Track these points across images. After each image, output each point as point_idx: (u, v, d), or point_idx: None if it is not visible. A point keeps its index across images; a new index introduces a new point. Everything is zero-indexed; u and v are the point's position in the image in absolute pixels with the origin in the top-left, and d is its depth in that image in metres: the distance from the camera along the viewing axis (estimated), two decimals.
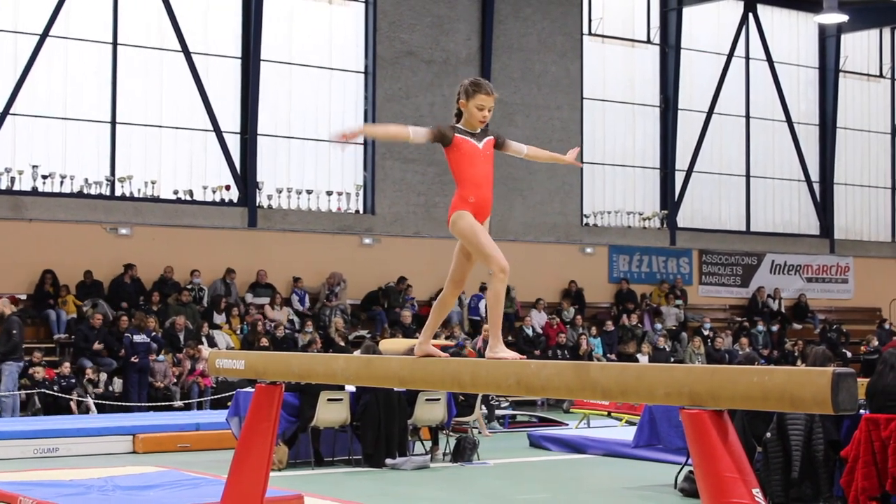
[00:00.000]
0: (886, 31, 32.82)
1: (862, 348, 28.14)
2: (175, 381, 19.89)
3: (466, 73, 25.12)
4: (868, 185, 32.77)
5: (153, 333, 20.20)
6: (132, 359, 19.43)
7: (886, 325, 28.52)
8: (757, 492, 5.17)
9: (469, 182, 6.59)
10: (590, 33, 28.09)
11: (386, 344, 18.43)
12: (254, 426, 8.11)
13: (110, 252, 22.03)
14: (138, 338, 19.65)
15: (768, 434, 10.62)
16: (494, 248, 6.52)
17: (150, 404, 19.11)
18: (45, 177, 21.78)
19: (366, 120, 25.07)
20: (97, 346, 19.73)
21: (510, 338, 23.27)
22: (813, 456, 10.44)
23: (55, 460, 14.26)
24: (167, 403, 19.35)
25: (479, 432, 17.47)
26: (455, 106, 6.70)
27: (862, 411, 10.24)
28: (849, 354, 27.57)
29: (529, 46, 26.80)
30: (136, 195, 22.62)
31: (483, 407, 17.78)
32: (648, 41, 28.88)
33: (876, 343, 26.84)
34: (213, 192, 23.35)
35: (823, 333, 28.72)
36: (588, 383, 5.87)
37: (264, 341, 20.88)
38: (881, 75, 32.94)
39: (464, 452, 14.45)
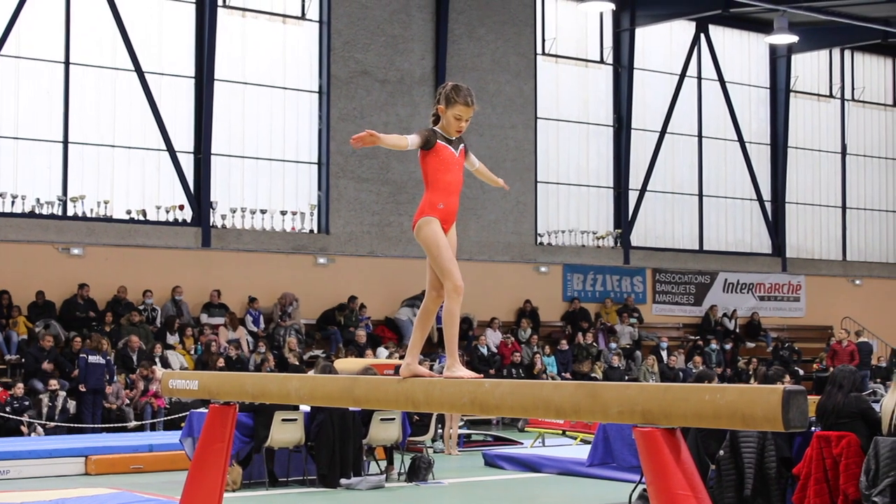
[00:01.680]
0: (836, 52, 33.17)
1: (814, 366, 28.36)
2: (128, 402, 19.75)
3: (421, 93, 25.28)
4: (819, 204, 33.06)
5: (107, 356, 20.00)
6: (81, 386, 19.21)
7: (844, 343, 28.68)
8: None
9: (442, 189, 6.57)
10: (543, 53, 28.21)
11: (341, 363, 18.39)
12: (207, 447, 8.07)
13: (62, 272, 21.87)
14: (93, 358, 19.48)
15: (721, 451, 10.68)
16: (454, 264, 6.50)
17: (104, 425, 18.95)
18: None
19: (320, 139, 25.06)
20: (46, 365, 19.50)
21: (465, 357, 23.27)
22: (765, 473, 10.50)
23: (6, 483, 14.11)
24: (121, 425, 19.20)
25: (444, 451, 17.51)
26: (433, 108, 6.67)
27: (813, 429, 10.33)
28: (801, 372, 27.75)
29: (483, 66, 26.88)
30: (88, 215, 22.47)
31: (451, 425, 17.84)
32: (602, 61, 29.04)
33: (826, 362, 27.03)
34: (167, 211, 23.24)
35: (776, 351, 28.91)
36: (542, 402, 5.89)
37: (220, 362, 20.76)
38: (831, 95, 33.27)
39: (419, 472, 14.44)
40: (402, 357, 21.92)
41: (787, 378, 11.77)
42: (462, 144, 6.70)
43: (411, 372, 6.61)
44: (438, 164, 6.57)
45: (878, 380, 27.08)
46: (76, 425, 18.66)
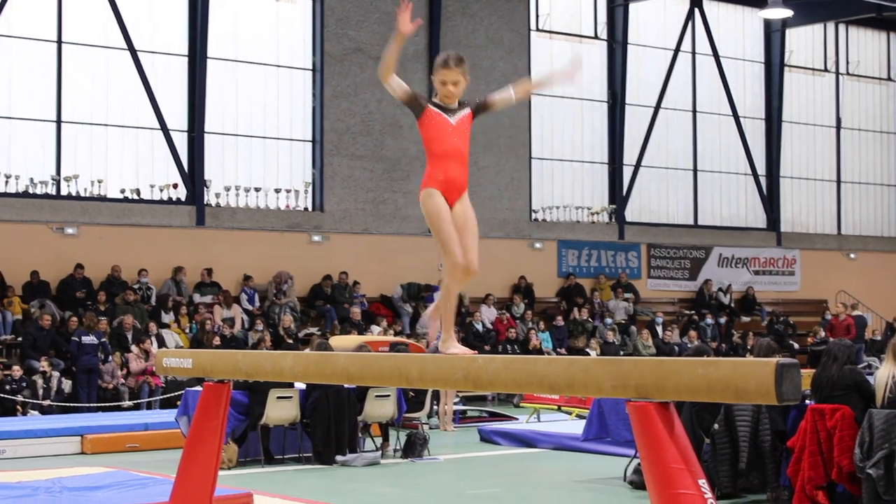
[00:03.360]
0: (830, 26, 33.11)
1: (809, 340, 28.40)
2: (123, 381, 19.75)
3: (414, 70, 25.21)
4: (813, 179, 33.06)
5: (102, 336, 19.98)
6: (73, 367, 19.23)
7: (828, 316, 28.70)
8: (703, 482, 5.21)
9: (436, 158, 6.48)
10: (537, 29, 28.15)
11: (336, 341, 18.41)
12: (202, 425, 8.08)
13: (57, 252, 21.84)
14: (87, 339, 19.47)
15: (716, 425, 10.71)
16: (452, 239, 6.39)
17: (99, 405, 18.96)
18: None
19: (314, 117, 25.02)
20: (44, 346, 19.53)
21: (461, 333, 23.29)
22: (760, 446, 10.53)
23: (2, 462, 14.11)
24: (116, 404, 19.22)
25: (439, 428, 17.56)
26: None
27: (808, 402, 10.35)
28: (796, 346, 27.80)
29: (477, 43, 26.81)
30: (82, 194, 22.44)
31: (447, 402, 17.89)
32: (595, 37, 28.98)
33: (822, 334, 27.10)
34: (161, 190, 23.21)
35: (771, 325, 28.96)
36: (535, 377, 5.89)
37: (216, 340, 20.77)
38: (825, 69, 33.24)
39: (414, 448, 14.47)
40: (396, 334, 22.04)
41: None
42: (465, 110, 6.56)
43: (446, 349, 6.45)
44: (432, 131, 6.49)
45: (873, 353, 27.12)
46: (72, 405, 18.67)
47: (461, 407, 19.76)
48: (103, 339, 19.89)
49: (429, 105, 6.51)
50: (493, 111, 6.83)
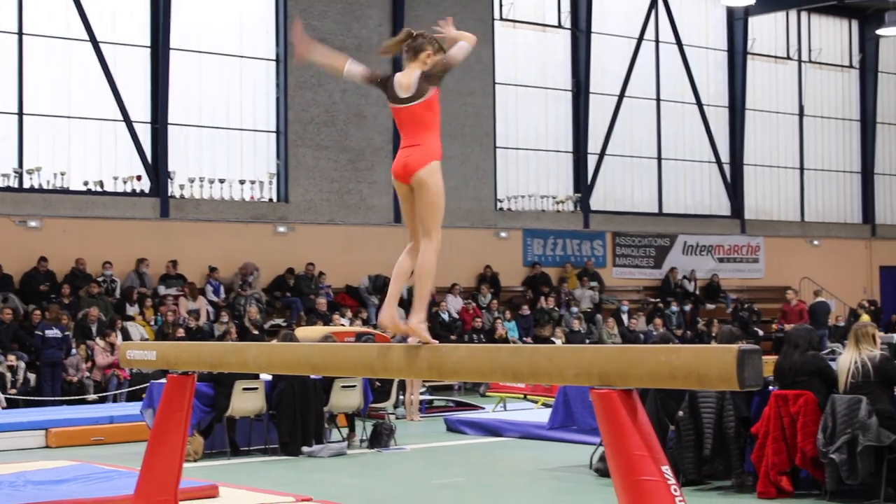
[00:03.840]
0: (793, 14, 33.26)
1: (773, 326, 28.57)
2: (88, 374, 19.65)
3: (379, 60, 25.11)
4: (777, 166, 33.22)
5: (66, 329, 19.84)
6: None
7: (793, 303, 28.82)
8: (666, 469, 5.24)
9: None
10: (501, 18, 28.15)
11: (302, 331, 18.37)
12: (166, 417, 8.07)
13: (20, 245, 21.69)
14: (50, 332, 19.35)
15: (680, 412, 10.76)
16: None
17: (64, 398, 18.85)
18: None
19: (277, 108, 24.95)
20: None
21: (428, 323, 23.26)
22: (724, 433, 10.59)
23: None
24: (81, 397, 19.11)
25: (406, 418, 17.57)
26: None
27: (771, 388, 10.42)
28: (760, 333, 27.95)
29: (441, 33, 26.72)
30: (45, 187, 22.30)
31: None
32: (559, 26, 29.00)
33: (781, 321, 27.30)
34: (124, 182, 23.09)
35: (735, 312, 29.10)
36: (499, 366, 5.91)
37: (180, 332, 20.70)
38: (788, 57, 33.39)
39: (381, 438, 14.47)
40: (364, 324, 22.00)
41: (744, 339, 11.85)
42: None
43: (420, 330, 6.34)
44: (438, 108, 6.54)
45: (837, 339, 27.30)
46: (36, 398, 18.56)
47: (427, 397, 19.77)
48: (67, 333, 19.76)
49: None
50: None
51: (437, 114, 6.51)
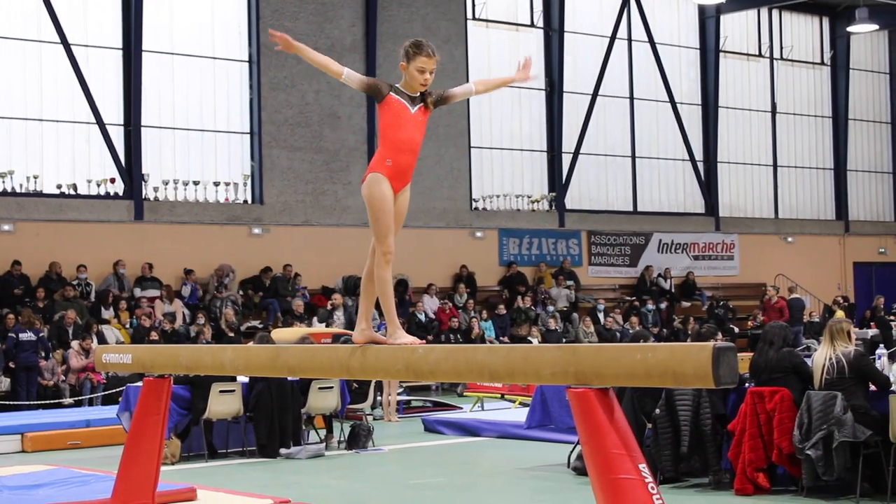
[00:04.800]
0: (764, 12, 33.38)
1: (749, 323, 28.66)
2: (63, 378, 19.56)
3: (351, 61, 25.11)
4: (750, 163, 33.34)
5: (41, 332, 19.72)
6: (11, 363, 18.93)
7: (773, 300, 28.91)
8: (643, 467, 5.25)
9: (391, 144, 6.46)
10: (474, 18, 28.17)
11: (279, 333, 18.33)
12: (143, 420, 8.05)
13: None
14: (24, 336, 19.24)
15: (657, 410, 10.79)
16: (389, 230, 6.41)
17: (39, 402, 18.75)
18: None
19: (251, 109, 24.90)
20: None
21: (404, 323, 23.25)
22: (701, 430, 10.62)
23: None
24: (56, 401, 19.02)
25: (383, 419, 17.56)
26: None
27: (747, 385, 10.46)
28: (736, 330, 28.03)
29: (414, 33, 26.73)
30: (18, 190, 22.20)
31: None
32: (532, 25, 29.04)
33: (761, 318, 27.36)
34: (98, 185, 23.00)
35: (711, 310, 29.18)
36: (475, 366, 5.92)
37: (154, 335, 20.63)
38: (760, 55, 33.51)
39: (358, 439, 14.46)
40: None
41: (720, 336, 11.92)
42: (422, 103, 6.56)
43: (367, 338, 6.54)
44: (390, 118, 6.47)
45: (812, 336, 27.40)
46: (11, 402, 18.46)
47: (405, 397, 19.77)
48: (42, 335, 19.65)
49: (391, 92, 6.51)
50: (451, 102, 6.84)
51: (381, 127, 6.58)
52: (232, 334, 21.57)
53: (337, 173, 25.53)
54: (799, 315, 28.10)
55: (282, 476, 12.62)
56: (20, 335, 19.21)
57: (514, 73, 6.87)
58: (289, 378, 13.62)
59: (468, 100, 27.40)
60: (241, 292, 23.72)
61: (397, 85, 6.57)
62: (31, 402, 18.65)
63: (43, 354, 19.47)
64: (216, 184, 24.26)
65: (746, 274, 32.33)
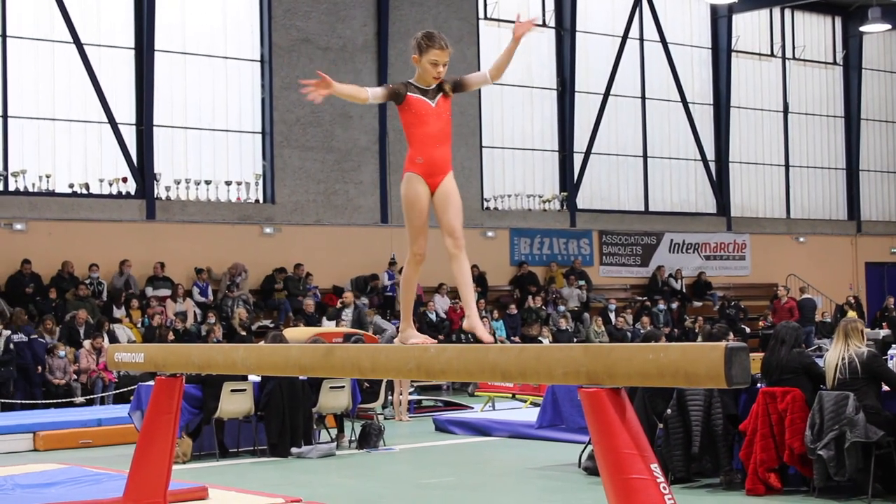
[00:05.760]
0: (776, 11, 33.33)
1: (760, 323, 28.61)
2: (75, 376, 19.57)
3: (363, 60, 25.18)
4: (762, 163, 33.30)
5: (33, 333, 19.45)
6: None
7: (783, 300, 28.88)
8: (655, 467, 5.25)
9: (418, 142, 6.42)
10: (486, 18, 28.16)
11: (290, 333, 18.34)
12: (155, 419, 8.05)
13: (5, 248, 21.64)
14: (17, 337, 19.02)
15: (669, 410, 10.77)
16: (419, 231, 6.44)
17: (51, 401, 18.76)
18: None
19: (263, 108, 24.92)
20: None
21: (416, 323, 23.22)
22: (712, 430, 10.60)
23: None
24: (68, 400, 19.03)
25: (394, 418, 17.57)
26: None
27: (759, 385, 10.44)
28: (747, 330, 27.99)
29: None
30: (30, 190, 22.26)
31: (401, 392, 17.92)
32: (544, 24, 29.01)
33: (772, 318, 27.31)
34: (110, 184, 23.05)
35: (722, 310, 29.13)
36: (487, 365, 5.91)
37: (171, 336, 20.63)
38: (772, 54, 33.46)
39: (369, 439, 14.46)
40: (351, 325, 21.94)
41: (731, 336, 11.91)
42: (441, 93, 6.49)
43: (406, 339, 6.51)
44: (412, 118, 6.42)
45: (823, 336, 27.35)
46: (23, 402, 18.48)
47: (416, 397, 19.76)
48: (33, 336, 19.40)
49: (408, 92, 6.44)
50: (467, 91, 6.78)
51: (405, 129, 6.52)
52: (244, 333, 21.58)
53: (348, 173, 25.54)
54: (810, 315, 28.05)
55: (293, 475, 12.63)
56: (13, 336, 19.04)
57: (512, 35, 6.68)
58: (300, 377, 13.63)
59: (479, 99, 27.50)
60: (251, 293, 23.71)
61: (412, 81, 6.50)
62: (42, 402, 18.56)
63: (33, 355, 19.15)
64: (228, 183, 24.29)
65: (758, 274, 32.27)
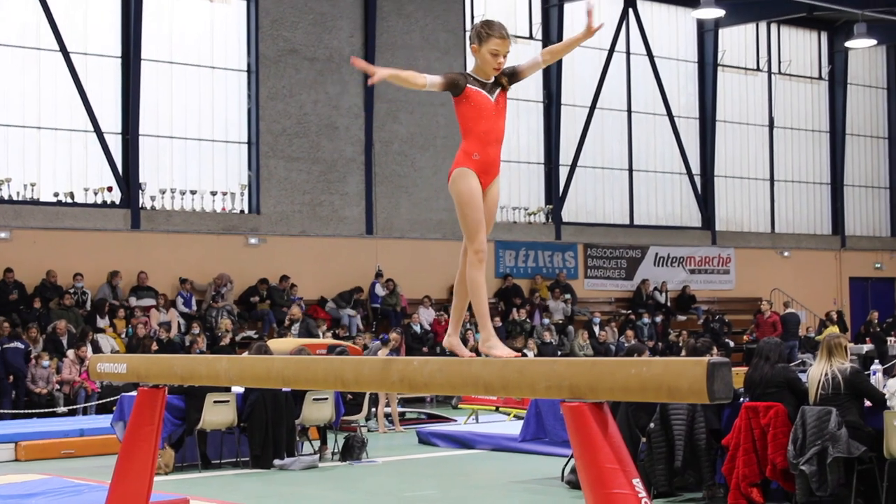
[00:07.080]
0: (763, 26, 33.44)
1: (744, 337, 28.64)
2: (58, 386, 19.50)
3: (350, 71, 25.17)
4: (747, 178, 33.37)
5: (9, 343, 19.39)
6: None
7: (767, 314, 28.89)
8: (637, 482, 5.24)
9: (475, 138, 6.10)
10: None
11: (274, 344, 18.31)
12: (137, 430, 8.01)
13: None
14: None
15: (652, 425, 10.78)
16: (481, 226, 6.13)
17: (33, 411, 18.69)
18: None
19: (249, 118, 24.91)
20: None
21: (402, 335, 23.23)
22: (695, 445, 10.61)
23: None
24: (50, 410, 18.96)
25: (379, 430, 17.54)
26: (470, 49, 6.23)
27: (742, 400, 10.45)
28: (731, 344, 28.03)
29: (413, 43, 26.81)
30: (14, 198, 22.19)
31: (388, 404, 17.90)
32: (531, 37, 29.06)
33: (755, 333, 27.34)
34: (95, 193, 23.00)
35: (707, 324, 29.17)
36: (470, 379, 5.89)
37: (154, 346, 20.57)
38: (758, 69, 33.56)
39: (352, 451, 14.44)
40: (335, 336, 21.94)
41: (715, 350, 11.92)
42: (500, 87, 6.19)
43: (449, 346, 6.31)
44: (470, 110, 6.10)
45: (807, 350, 27.39)
46: (5, 411, 18.40)
47: (400, 409, 19.73)
48: (13, 345, 19.31)
49: (468, 84, 6.12)
50: (522, 80, 6.47)
51: (461, 121, 6.19)
52: (227, 343, 21.51)
53: (334, 184, 25.52)
54: (794, 329, 28.09)
55: (275, 487, 12.60)
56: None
57: (583, 30, 6.46)
58: (283, 389, 13.60)
59: None
60: (235, 304, 23.67)
61: (471, 73, 6.19)
62: (23, 412, 18.48)
63: (34, 362, 19.16)
64: (213, 193, 24.25)
65: (742, 288, 32.33)
